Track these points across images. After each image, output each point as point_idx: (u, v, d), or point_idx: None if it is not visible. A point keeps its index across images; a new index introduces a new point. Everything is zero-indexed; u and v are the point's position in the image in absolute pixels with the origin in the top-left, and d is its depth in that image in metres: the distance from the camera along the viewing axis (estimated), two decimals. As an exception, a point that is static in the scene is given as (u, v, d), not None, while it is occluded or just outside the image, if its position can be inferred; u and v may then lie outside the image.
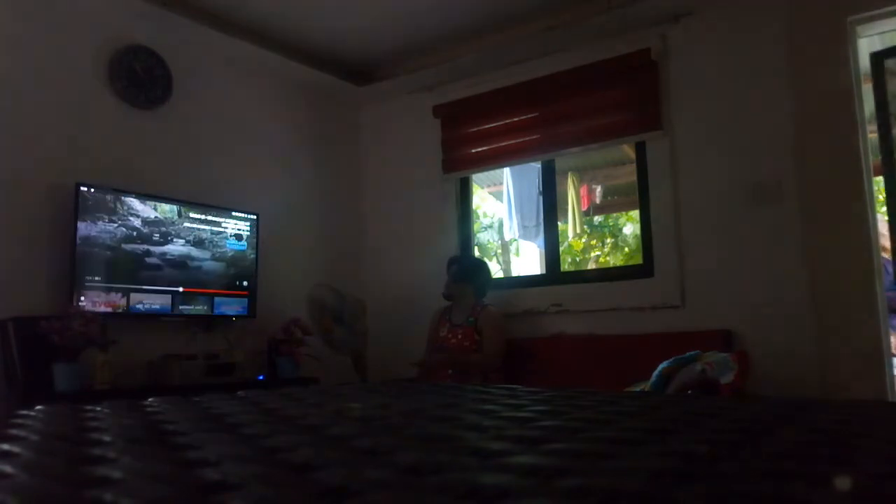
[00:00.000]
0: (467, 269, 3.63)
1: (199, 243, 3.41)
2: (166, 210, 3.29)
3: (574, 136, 3.73)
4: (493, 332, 3.44)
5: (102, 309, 2.98)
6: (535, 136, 3.88)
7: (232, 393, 1.48)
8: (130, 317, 3.14)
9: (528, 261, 6.49)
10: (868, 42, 3.11)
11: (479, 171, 4.36)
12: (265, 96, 4.06)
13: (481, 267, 3.72)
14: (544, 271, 4.37)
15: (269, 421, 1.00)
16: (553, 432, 0.83)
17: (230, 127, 3.80)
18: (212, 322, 3.46)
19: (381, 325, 4.06)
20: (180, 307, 3.31)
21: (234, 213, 3.59)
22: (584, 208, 6.02)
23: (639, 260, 3.75)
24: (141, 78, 3.37)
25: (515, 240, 6.09)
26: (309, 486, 0.56)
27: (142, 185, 3.25)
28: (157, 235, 3.24)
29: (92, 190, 3.01)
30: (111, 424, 0.97)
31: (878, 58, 3.02)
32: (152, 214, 3.23)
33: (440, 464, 0.63)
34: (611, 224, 6.93)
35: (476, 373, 3.33)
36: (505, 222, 5.64)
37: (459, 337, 3.47)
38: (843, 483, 0.55)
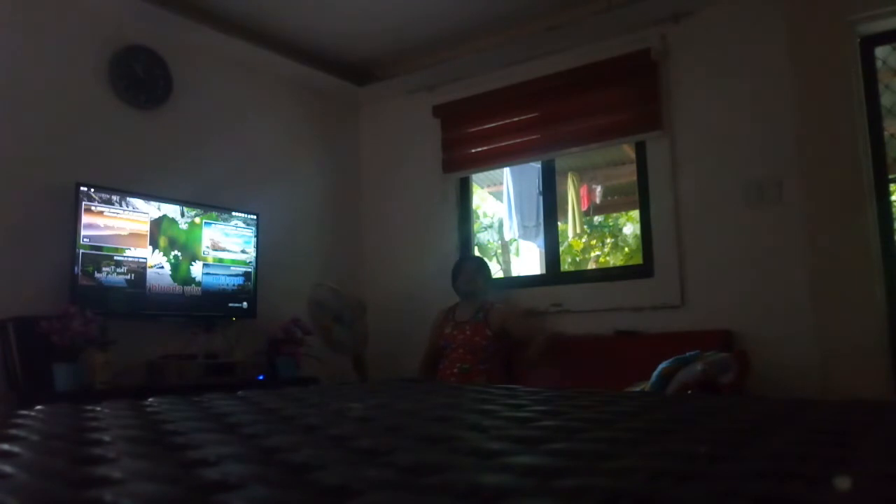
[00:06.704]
0: (480, 267, 3.72)
1: (198, 243, 3.41)
2: (167, 210, 3.29)
3: (574, 136, 3.74)
4: (516, 318, 3.53)
5: (101, 309, 2.98)
6: (535, 136, 3.88)
7: (232, 393, 1.48)
8: (130, 317, 3.14)
9: (528, 261, 6.49)
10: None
11: (479, 171, 4.37)
12: (265, 96, 4.06)
13: (488, 266, 3.81)
14: (544, 271, 4.37)
15: (269, 421, 1.00)
16: (553, 432, 0.83)
17: (230, 127, 3.80)
18: (212, 322, 3.46)
19: (381, 325, 4.06)
20: (180, 307, 3.31)
21: (234, 213, 3.59)
22: (584, 208, 6.02)
23: (639, 260, 3.75)
24: (141, 78, 3.37)
25: (515, 240, 6.10)
26: (309, 486, 0.56)
27: (142, 185, 3.25)
28: (158, 235, 3.24)
29: (92, 190, 3.01)
30: (111, 424, 0.97)
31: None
32: (153, 214, 3.23)
33: (440, 464, 0.63)
34: (611, 224, 6.93)
35: (494, 369, 3.42)
36: (505, 222, 5.64)
37: (468, 332, 3.48)
38: (843, 483, 0.55)
